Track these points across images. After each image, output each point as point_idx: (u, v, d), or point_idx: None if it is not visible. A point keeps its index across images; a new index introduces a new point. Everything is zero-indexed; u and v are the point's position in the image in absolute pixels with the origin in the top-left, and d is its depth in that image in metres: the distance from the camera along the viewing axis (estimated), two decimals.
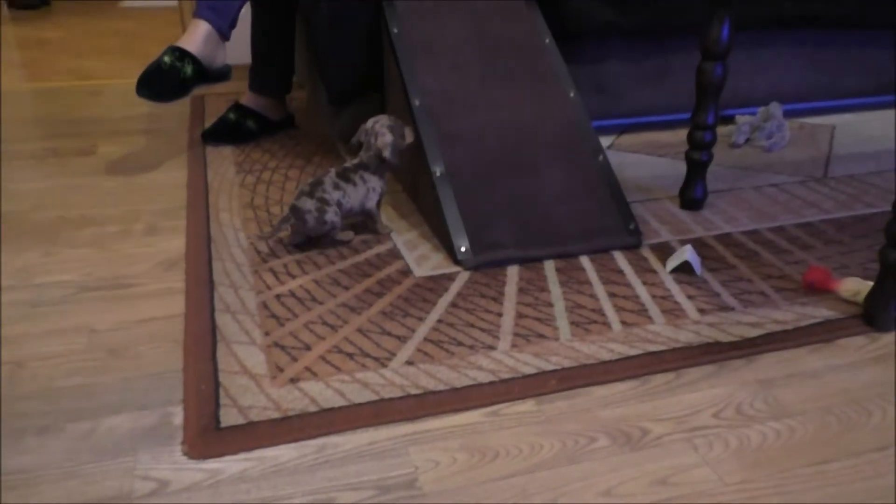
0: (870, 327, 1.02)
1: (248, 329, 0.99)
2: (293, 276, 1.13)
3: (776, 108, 1.81)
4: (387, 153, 1.21)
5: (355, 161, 1.26)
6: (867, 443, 0.81)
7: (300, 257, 1.19)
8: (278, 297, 1.07)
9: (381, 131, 1.23)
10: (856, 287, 1.07)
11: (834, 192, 1.49)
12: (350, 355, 0.94)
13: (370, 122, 1.26)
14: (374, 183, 1.25)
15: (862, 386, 0.90)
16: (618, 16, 1.65)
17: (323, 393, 0.87)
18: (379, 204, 1.27)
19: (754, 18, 1.72)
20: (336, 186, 1.21)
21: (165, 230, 1.30)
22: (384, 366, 0.92)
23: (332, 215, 1.19)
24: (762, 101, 1.89)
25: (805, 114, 2.03)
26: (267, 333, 0.98)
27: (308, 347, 0.95)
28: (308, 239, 1.22)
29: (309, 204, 1.18)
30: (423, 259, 1.20)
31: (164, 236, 1.28)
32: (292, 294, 1.08)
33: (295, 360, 0.93)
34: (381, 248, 1.23)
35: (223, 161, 1.64)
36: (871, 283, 1.04)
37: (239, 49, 1.84)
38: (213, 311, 1.04)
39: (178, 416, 0.83)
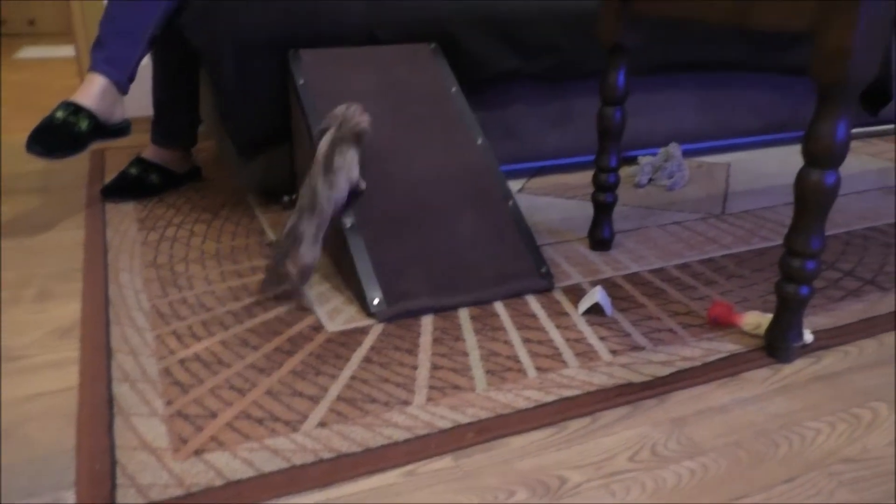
0: (772, 359, 1.06)
1: (148, 399, 0.94)
2: (198, 339, 1.08)
3: (675, 149, 1.89)
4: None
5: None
6: (776, 475, 0.83)
7: (206, 317, 1.14)
8: (182, 361, 1.02)
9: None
10: (756, 320, 1.11)
11: (732, 227, 1.56)
12: (259, 420, 0.90)
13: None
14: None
15: (768, 418, 0.93)
16: (521, 63, 1.69)
17: (230, 464, 0.82)
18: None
19: (649, 65, 1.80)
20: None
21: (59, 295, 1.23)
22: (295, 430, 0.88)
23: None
24: (662, 142, 1.98)
25: (702, 153, 2.14)
26: (169, 402, 0.93)
27: (214, 415, 0.91)
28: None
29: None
30: (335, 313, 1.17)
31: (57, 301, 1.20)
32: (197, 357, 1.03)
33: (200, 429, 0.88)
34: (292, 304, 1.20)
35: (124, 218, 1.57)
36: (770, 316, 1.08)
37: (140, 100, 1.78)
38: (109, 381, 0.97)
39: (69, 501, 0.77)
